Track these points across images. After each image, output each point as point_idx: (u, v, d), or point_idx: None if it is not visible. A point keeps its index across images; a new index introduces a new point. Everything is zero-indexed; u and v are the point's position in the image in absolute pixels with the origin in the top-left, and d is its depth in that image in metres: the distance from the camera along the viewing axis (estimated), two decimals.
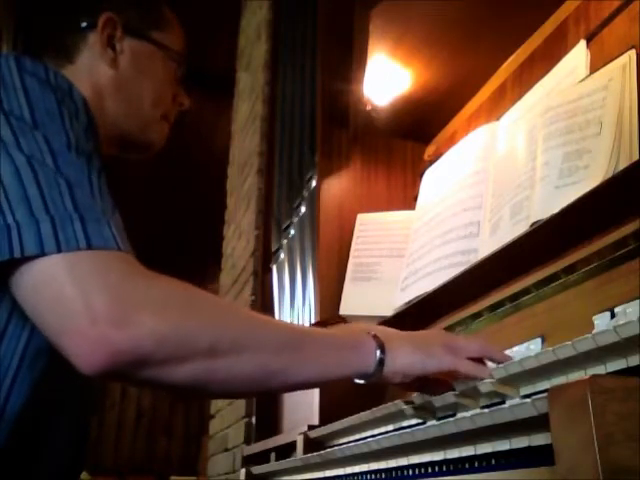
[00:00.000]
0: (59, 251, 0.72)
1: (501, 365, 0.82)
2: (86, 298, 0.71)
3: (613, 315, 0.85)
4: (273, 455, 1.87)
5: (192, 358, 0.75)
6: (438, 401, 0.91)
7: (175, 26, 1.15)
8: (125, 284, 0.73)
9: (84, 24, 1.05)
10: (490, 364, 0.89)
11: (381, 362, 0.85)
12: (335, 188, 1.82)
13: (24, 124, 0.79)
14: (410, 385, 0.95)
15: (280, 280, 2.25)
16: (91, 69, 1.05)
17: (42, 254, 0.72)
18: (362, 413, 1.14)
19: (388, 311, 1.54)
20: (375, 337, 0.87)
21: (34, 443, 0.88)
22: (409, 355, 0.87)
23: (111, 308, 0.71)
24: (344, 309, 1.64)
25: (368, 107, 1.86)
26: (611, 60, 1.13)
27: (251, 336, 0.79)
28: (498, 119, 1.47)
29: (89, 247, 0.73)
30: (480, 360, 0.89)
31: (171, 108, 1.14)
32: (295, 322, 1.97)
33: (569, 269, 1.02)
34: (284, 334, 0.82)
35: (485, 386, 0.83)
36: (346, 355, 0.85)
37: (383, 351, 0.86)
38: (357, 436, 1.22)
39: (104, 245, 0.74)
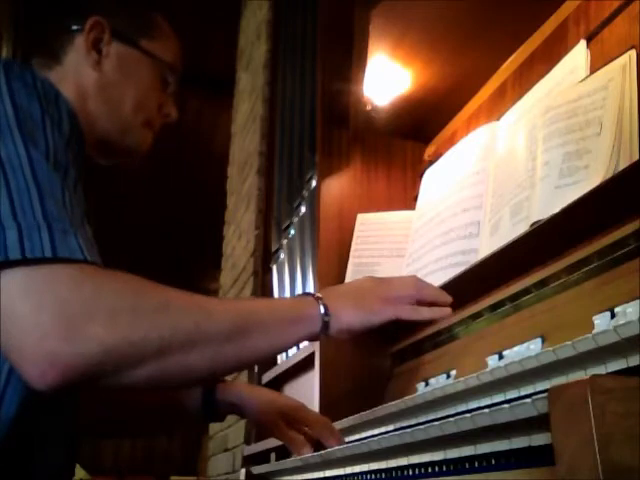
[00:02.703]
0: (23, 258, 0.71)
1: (501, 365, 0.82)
2: (35, 315, 0.70)
3: (613, 315, 0.85)
4: (273, 455, 1.87)
5: (143, 362, 0.76)
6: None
7: (168, 37, 1.15)
8: (73, 297, 0.72)
9: (74, 27, 1.07)
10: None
11: (326, 324, 0.91)
12: (335, 188, 1.83)
13: (6, 126, 0.79)
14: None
15: (280, 280, 2.25)
16: (76, 71, 1.06)
17: (6, 261, 0.71)
18: (362, 413, 1.14)
19: None
20: (319, 300, 0.91)
21: (32, 443, 0.88)
22: (352, 314, 0.93)
23: (59, 324, 0.71)
24: None
25: (368, 107, 1.87)
26: (611, 60, 1.13)
27: (199, 331, 0.80)
28: (498, 119, 1.47)
29: (54, 256, 0.73)
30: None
31: (155, 116, 1.14)
32: None
33: (569, 269, 1.02)
34: (231, 321, 0.83)
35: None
36: (293, 326, 0.89)
37: (327, 313, 0.91)
38: (357, 436, 1.22)
39: (70, 255, 0.74)
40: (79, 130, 0.95)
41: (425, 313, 0.99)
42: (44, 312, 0.71)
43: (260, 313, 0.88)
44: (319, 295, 0.93)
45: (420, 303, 1.01)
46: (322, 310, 0.91)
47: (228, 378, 1.37)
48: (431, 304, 1.02)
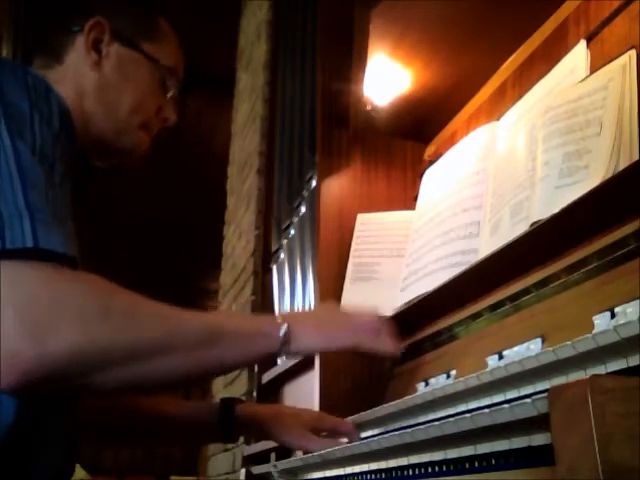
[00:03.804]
0: (3, 248, 0.72)
1: (501, 365, 0.82)
2: (2, 313, 0.70)
3: (613, 315, 0.85)
4: (273, 455, 1.87)
5: (111, 365, 0.76)
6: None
7: (170, 41, 1.15)
8: (42, 295, 0.73)
9: (75, 27, 1.07)
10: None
11: (286, 342, 0.93)
12: (335, 188, 1.83)
13: None
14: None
15: (280, 280, 2.25)
16: (76, 70, 1.07)
17: None
18: (362, 413, 1.14)
19: (388, 311, 1.54)
20: (282, 320, 0.94)
21: (31, 446, 0.88)
22: (311, 336, 0.96)
23: (24, 321, 0.70)
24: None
25: (368, 107, 1.86)
26: (611, 60, 1.13)
27: (169, 338, 0.82)
28: (498, 119, 1.47)
29: (36, 247, 0.73)
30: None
31: (153, 119, 1.14)
32: None
33: (569, 269, 1.02)
34: (200, 331, 0.85)
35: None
36: (254, 340, 0.92)
37: (288, 332, 0.93)
38: None
39: (51, 247, 0.74)
40: (71, 126, 0.96)
41: (384, 345, 1.01)
42: (9, 309, 0.70)
43: (226, 326, 0.90)
44: (282, 315, 0.96)
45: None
46: (283, 329, 0.93)
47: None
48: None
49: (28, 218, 0.74)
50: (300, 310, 1.08)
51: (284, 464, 1.32)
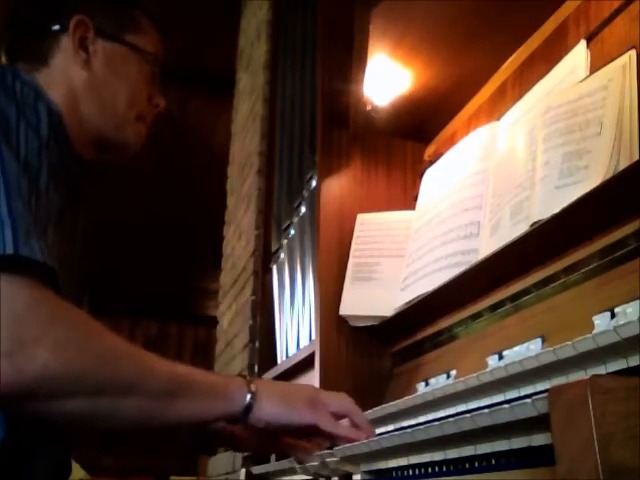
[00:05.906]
0: None
1: (501, 365, 0.82)
2: None
3: (613, 315, 0.85)
4: (273, 455, 1.87)
5: (77, 395, 0.78)
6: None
7: (149, 30, 1.16)
8: (29, 315, 0.74)
9: (56, 27, 1.06)
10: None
11: (249, 408, 0.92)
12: (335, 188, 1.82)
13: None
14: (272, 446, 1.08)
15: (280, 280, 2.25)
16: (65, 71, 1.06)
17: None
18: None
19: (388, 311, 1.54)
20: (249, 384, 0.93)
21: (22, 461, 0.89)
22: (274, 406, 0.94)
23: (7, 339, 0.72)
24: (344, 309, 1.64)
25: (368, 107, 1.86)
26: (611, 60, 1.13)
27: (138, 381, 0.83)
28: (498, 119, 1.47)
29: (16, 253, 0.74)
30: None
31: (146, 109, 1.15)
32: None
33: (569, 269, 1.02)
34: (166, 380, 0.86)
35: (331, 463, 0.95)
36: (215, 400, 0.91)
37: (253, 398, 0.92)
38: None
39: (30, 255, 0.75)
40: (63, 130, 0.96)
41: (343, 430, 0.99)
42: None
43: (192, 380, 0.90)
44: (250, 380, 0.95)
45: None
46: (248, 394, 0.92)
47: None
48: (354, 427, 1.01)
49: (10, 226, 0.75)
50: (271, 380, 1.07)
51: (284, 464, 1.32)
